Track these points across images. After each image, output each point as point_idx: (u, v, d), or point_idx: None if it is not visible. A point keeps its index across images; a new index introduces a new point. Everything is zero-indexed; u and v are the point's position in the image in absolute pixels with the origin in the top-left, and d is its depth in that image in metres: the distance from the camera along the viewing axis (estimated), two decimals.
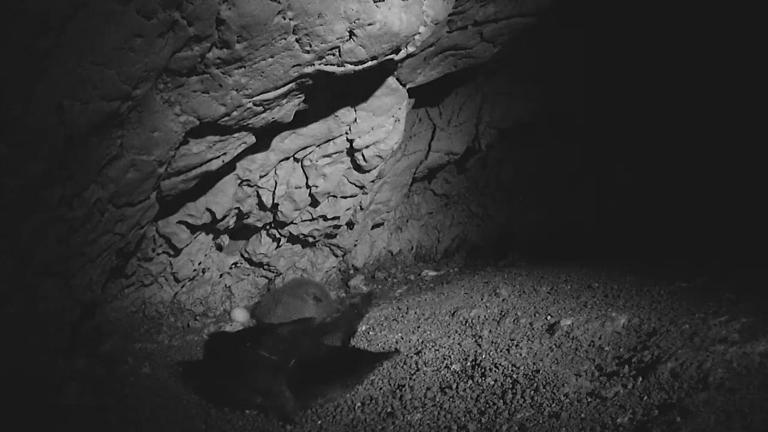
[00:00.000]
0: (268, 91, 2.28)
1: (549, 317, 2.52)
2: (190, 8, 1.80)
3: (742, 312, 2.14)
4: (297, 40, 2.15)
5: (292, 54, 2.18)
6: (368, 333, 2.85)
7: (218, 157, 2.50)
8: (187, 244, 3.08)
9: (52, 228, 1.77)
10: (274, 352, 2.13)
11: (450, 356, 2.36)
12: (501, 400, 1.91)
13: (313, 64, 2.28)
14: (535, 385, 1.93)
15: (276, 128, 2.72)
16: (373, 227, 4.17)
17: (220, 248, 3.42)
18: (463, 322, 2.72)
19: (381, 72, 2.79)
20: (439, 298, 3.22)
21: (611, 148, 5.02)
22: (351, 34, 2.22)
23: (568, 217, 5.09)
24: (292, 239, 3.56)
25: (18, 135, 1.51)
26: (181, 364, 2.64)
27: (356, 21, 2.17)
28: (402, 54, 2.47)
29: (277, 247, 3.56)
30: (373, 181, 3.44)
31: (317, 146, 3.11)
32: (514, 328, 2.51)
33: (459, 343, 2.47)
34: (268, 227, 3.43)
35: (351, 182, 3.35)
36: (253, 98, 2.27)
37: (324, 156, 3.14)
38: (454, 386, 2.08)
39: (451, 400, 2.00)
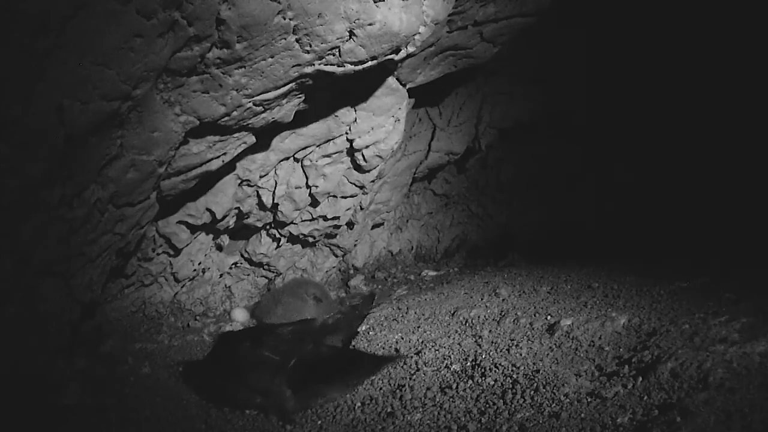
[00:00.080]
0: (268, 91, 2.28)
1: (549, 317, 2.52)
2: (190, 8, 1.80)
3: (742, 312, 2.14)
4: (297, 40, 2.15)
5: (292, 54, 2.19)
6: (368, 333, 2.85)
7: (218, 157, 2.50)
8: (187, 244, 3.08)
9: (52, 228, 1.77)
10: (275, 352, 2.14)
11: (450, 356, 2.36)
12: (501, 400, 1.91)
13: (313, 64, 2.28)
14: (535, 385, 1.93)
15: (276, 128, 2.72)
16: (373, 227, 4.17)
17: (220, 248, 3.42)
18: (463, 322, 2.72)
19: (381, 72, 2.79)
20: (439, 298, 3.22)
21: (611, 148, 5.02)
22: (351, 34, 2.22)
23: (568, 217, 5.09)
24: (292, 239, 3.56)
25: (18, 135, 1.51)
26: (181, 364, 2.64)
27: (356, 21, 2.17)
28: (402, 54, 2.46)
29: (277, 247, 3.56)
30: (373, 181, 3.44)
31: (317, 146, 3.11)
32: (514, 328, 2.51)
33: (459, 343, 2.47)
34: (268, 227, 3.43)
35: (351, 182, 3.35)
36: (253, 98, 2.27)
37: (324, 156, 3.14)
38: (454, 386, 2.08)
39: (451, 400, 2.00)
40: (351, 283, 3.97)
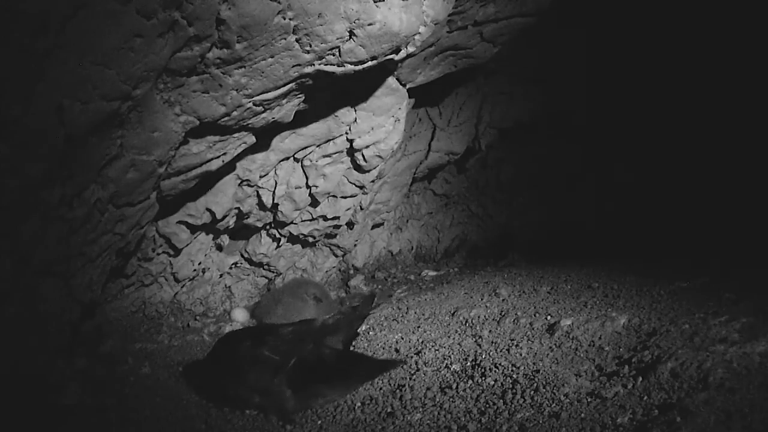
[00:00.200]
0: (268, 91, 2.29)
1: (549, 317, 2.52)
2: (190, 8, 1.80)
3: (742, 312, 2.14)
4: (297, 40, 2.15)
5: (292, 54, 2.19)
6: (368, 333, 2.85)
7: (218, 157, 2.50)
8: (187, 244, 3.08)
9: (52, 228, 1.77)
10: (276, 351, 2.13)
11: (450, 356, 2.36)
12: (501, 400, 1.91)
13: (313, 64, 2.28)
14: (535, 385, 1.93)
15: (276, 128, 2.72)
16: (373, 227, 4.17)
17: (220, 248, 3.42)
18: (463, 322, 2.72)
19: (381, 72, 2.79)
20: (439, 298, 3.22)
21: (611, 148, 5.02)
22: (351, 34, 2.22)
23: (568, 217, 5.09)
24: (292, 239, 3.56)
25: (18, 135, 1.51)
26: (181, 364, 2.64)
27: (356, 21, 2.17)
28: (402, 54, 2.47)
29: (277, 247, 3.56)
30: (373, 181, 3.44)
31: (317, 146, 3.11)
32: (514, 328, 2.51)
33: (459, 343, 2.47)
34: (268, 227, 3.43)
35: (351, 182, 3.35)
36: (253, 98, 2.27)
37: (324, 156, 3.14)
38: (454, 386, 2.09)
39: (451, 400, 2.00)
40: (351, 283, 3.97)
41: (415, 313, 3.02)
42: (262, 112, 2.40)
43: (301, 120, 2.81)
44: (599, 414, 1.68)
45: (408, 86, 3.12)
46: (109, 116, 1.76)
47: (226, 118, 2.27)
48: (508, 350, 2.27)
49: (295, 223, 3.42)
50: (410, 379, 2.22)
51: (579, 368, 2.01)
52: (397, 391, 2.15)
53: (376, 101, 2.99)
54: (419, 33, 2.41)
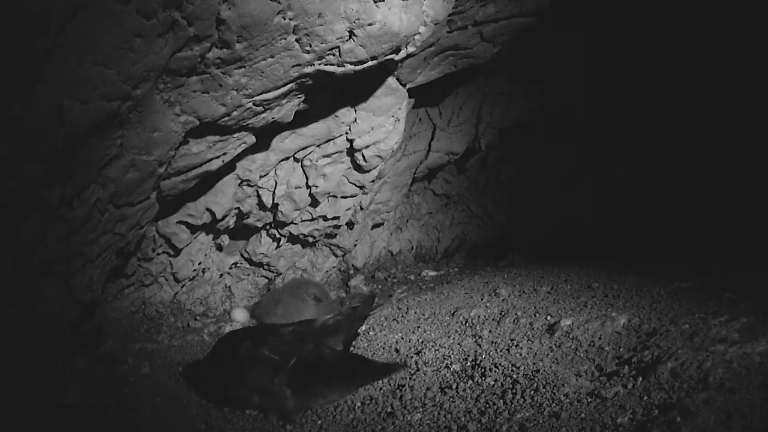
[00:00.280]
0: (268, 91, 2.29)
1: (549, 317, 2.52)
2: (190, 8, 1.80)
3: (742, 312, 2.14)
4: (297, 40, 2.15)
5: (292, 54, 2.19)
6: (368, 333, 2.85)
7: (218, 157, 2.50)
8: (187, 244, 3.08)
9: (52, 228, 1.77)
10: (276, 351, 2.13)
11: (450, 356, 2.36)
12: (501, 400, 1.91)
13: (313, 64, 2.28)
14: (535, 385, 1.93)
15: (276, 128, 2.72)
16: (373, 227, 4.17)
17: (220, 248, 3.42)
18: (463, 322, 2.72)
19: (381, 72, 2.79)
20: (439, 298, 3.22)
21: (611, 148, 5.02)
22: (351, 34, 2.22)
23: (568, 217, 5.09)
24: (292, 239, 3.56)
25: (18, 135, 1.51)
26: (181, 364, 2.64)
27: (356, 21, 2.17)
28: (402, 54, 2.46)
29: (277, 247, 3.56)
30: (373, 181, 3.44)
31: (317, 146, 3.11)
32: (514, 328, 2.51)
33: (459, 343, 2.47)
34: (268, 227, 3.43)
35: (351, 182, 3.35)
36: (253, 98, 2.27)
37: (324, 156, 3.14)
38: (454, 386, 2.09)
39: (451, 400, 2.00)
40: (351, 283, 3.97)
41: (415, 313, 3.02)
42: (262, 112, 2.40)
43: (301, 120, 2.81)
44: (599, 414, 1.68)
45: (408, 86, 3.12)
46: (109, 116, 1.76)
47: (226, 118, 2.27)
48: (508, 350, 2.27)
49: (295, 223, 3.42)
50: (410, 379, 2.22)
51: (579, 368, 2.01)
52: (397, 391, 2.15)
53: (376, 101, 2.99)
54: (419, 33, 2.41)
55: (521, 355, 2.20)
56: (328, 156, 3.15)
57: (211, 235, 3.26)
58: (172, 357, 2.75)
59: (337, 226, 3.60)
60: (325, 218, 3.45)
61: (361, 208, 3.69)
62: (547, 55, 4.30)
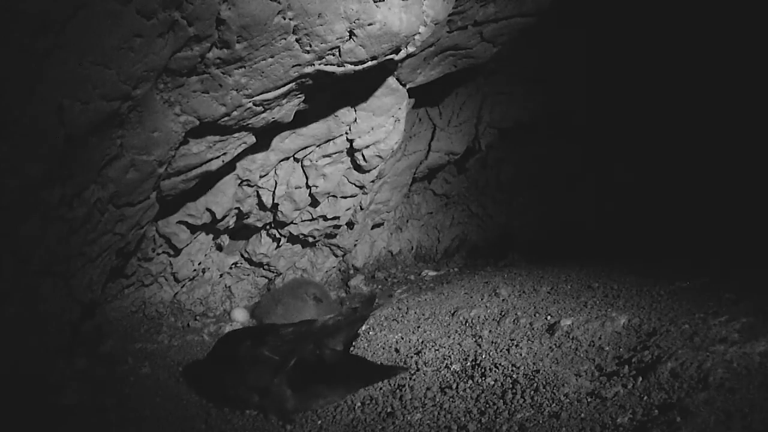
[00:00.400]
0: (268, 91, 2.29)
1: (549, 317, 2.52)
2: (190, 8, 1.80)
3: (742, 312, 2.14)
4: (297, 40, 2.15)
5: (292, 54, 2.19)
6: (368, 333, 2.85)
7: (218, 157, 2.50)
8: (187, 244, 3.08)
9: (52, 228, 1.77)
10: (276, 351, 2.13)
11: (450, 356, 2.36)
12: (501, 400, 1.91)
13: (313, 64, 2.28)
14: (535, 385, 1.93)
15: (276, 128, 2.72)
16: (373, 227, 4.17)
17: (220, 248, 3.42)
18: (463, 322, 2.72)
19: (381, 72, 2.79)
20: (439, 298, 3.22)
21: (611, 148, 5.02)
22: (351, 34, 2.22)
23: (568, 217, 5.09)
24: (292, 239, 3.56)
25: (18, 135, 1.51)
26: (181, 364, 2.64)
27: (356, 21, 2.17)
28: (402, 54, 2.47)
29: (277, 247, 3.56)
30: (373, 181, 3.44)
31: (317, 146, 3.11)
32: (514, 328, 2.51)
33: (459, 343, 2.47)
34: (268, 227, 3.43)
35: (351, 182, 3.35)
36: (253, 98, 2.27)
37: (324, 156, 3.14)
38: (454, 386, 2.09)
39: (451, 400, 2.00)
40: (351, 283, 3.97)
41: (415, 313, 3.02)
42: (262, 112, 2.40)
43: (301, 120, 2.81)
44: (599, 414, 1.68)
45: (408, 86, 3.12)
46: (109, 116, 1.76)
47: (226, 118, 2.27)
48: (508, 350, 2.27)
49: (295, 223, 3.42)
50: (410, 379, 2.22)
51: (579, 368, 2.01)
52: (397, 391, 2.15)
53: (376, 101, 2.99)
54: (419, 33, 2.41)
55: (521, 355, 2.20)
56: (328, 156, 3.15)
57: (211, 235, 3.26)
58: (172, 357, 2.75)
59: (337, 226, 3.60)
60: (325, 218, 3.45)
61: (361, 208, 3.69)
62: (547, 55, 4.30)
